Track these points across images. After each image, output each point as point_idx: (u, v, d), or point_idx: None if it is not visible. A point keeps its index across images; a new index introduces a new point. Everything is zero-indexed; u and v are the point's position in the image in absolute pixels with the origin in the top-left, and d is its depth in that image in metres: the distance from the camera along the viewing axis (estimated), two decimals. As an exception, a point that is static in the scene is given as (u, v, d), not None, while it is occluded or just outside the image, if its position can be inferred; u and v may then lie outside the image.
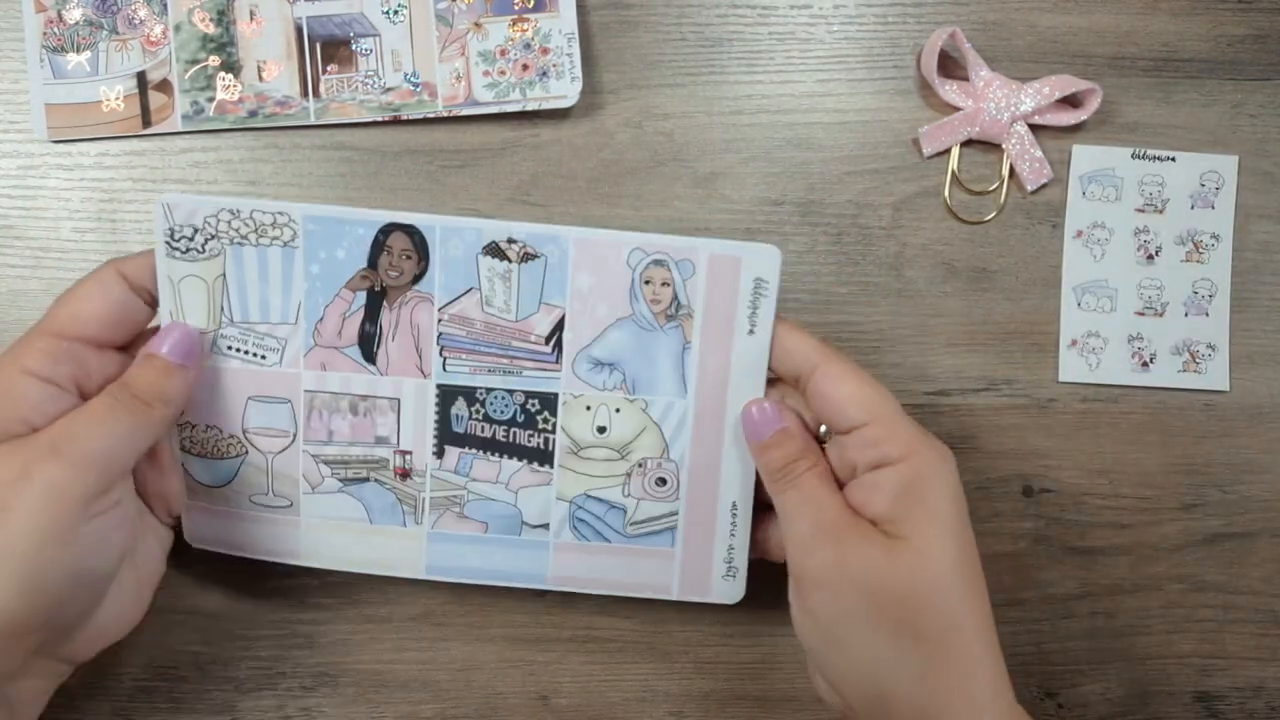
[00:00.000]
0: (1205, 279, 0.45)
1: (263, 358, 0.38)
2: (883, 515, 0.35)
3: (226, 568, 0.41)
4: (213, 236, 0.37)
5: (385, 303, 0.38)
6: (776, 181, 0.45)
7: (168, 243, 0.37)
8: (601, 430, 0.39)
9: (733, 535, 0.40)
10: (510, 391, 0.39)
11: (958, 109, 0.44)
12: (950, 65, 0.45)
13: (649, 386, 0.39)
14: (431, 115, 0.43)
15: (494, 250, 0.37)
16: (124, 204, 0.43)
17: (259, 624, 0.43)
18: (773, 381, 0.38)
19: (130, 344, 0.38)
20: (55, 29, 0.43)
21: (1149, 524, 0.45)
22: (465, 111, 0.43)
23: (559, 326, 0.38)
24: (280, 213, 0.37)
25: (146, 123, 0.43)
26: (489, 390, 0.39)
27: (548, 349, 0.38)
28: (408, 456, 0.39)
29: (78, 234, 0.43)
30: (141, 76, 0.43)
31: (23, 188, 0.43)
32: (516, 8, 0.43)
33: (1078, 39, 0.45)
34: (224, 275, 0.37)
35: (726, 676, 0.45)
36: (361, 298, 0.38)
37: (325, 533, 0.40)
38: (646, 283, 0.38)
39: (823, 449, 0.38)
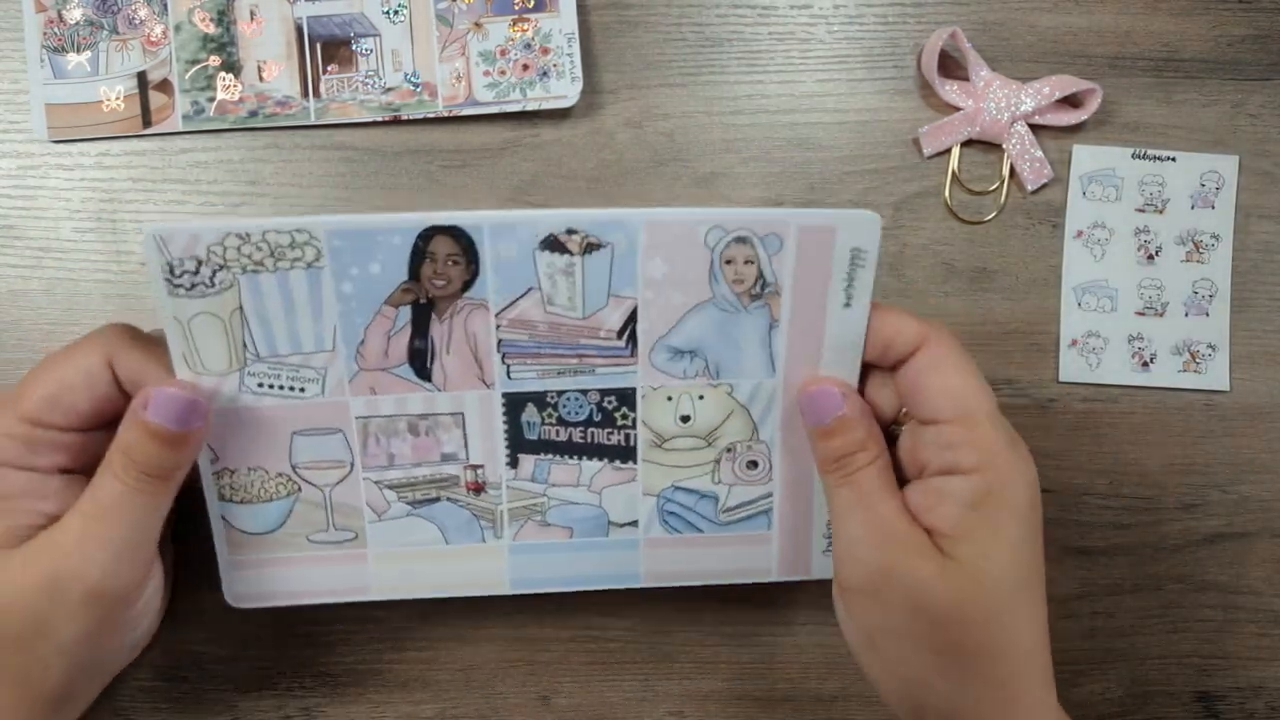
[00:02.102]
0: (1205, 279, 0.45)
1: (301, 390, 0.35)
2: (943, 527, 0.32)
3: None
4: (221, 267, 0.32)
5: (434, 314, 0.34)
6: (776, 181, 0.45)
7: (168, 280, 0.32)
8: (685, 419, 0.37)
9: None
10: (584, 392, 0.36)
11: (958, 109, 0.44)
12: (950, 65, 0.45)
13: (734, 370, 0.36)
14: (431, 115, 0.43)
15: (553, 244, 0.33)
16: (124, 204, 0.43)
17: (259, 624, 0.43)
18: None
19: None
20: (55, 29, 0.43)
21: (1149, 524, 0.45)
22: (465, 111, 0.43)
23: (631, 318, 0.35)
24: (299, 230, 0.32)
25: (147, 123, 0.43)
26: (560, 393, 0.36)
27: (621, 343, 0.35)
28: (479, 470, 0.37)
29: (78, 234, 0.43)
30: (142, 76, 0.43)
31: (23, 188, 0.43)
32: (516, 8, 0.43)
33: (1078, 39, 0.45)
34: (240, 308, 0.33)
35: (726, 676, 0.45)
36: (407, 313, 0.34)
37: (397, 561, 0.37)
38: (728, 263, 0.34)
39: (894, 436, 0.35)
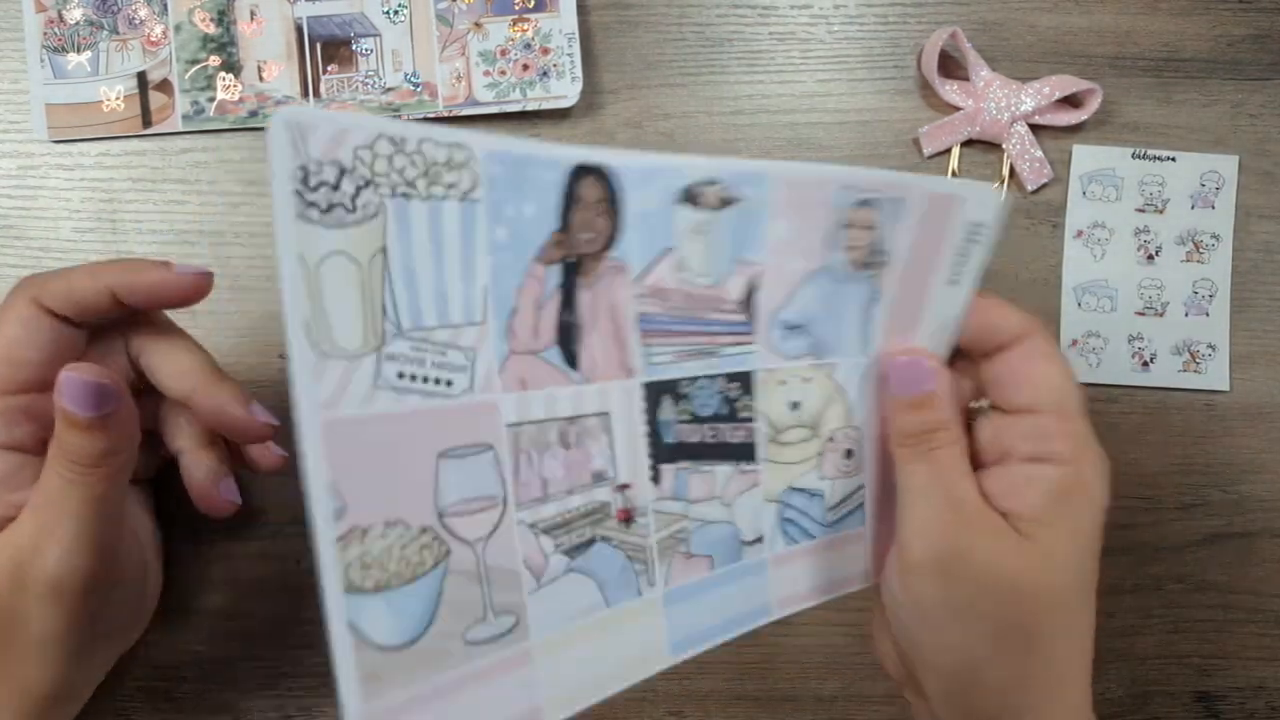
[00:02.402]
0: (1205, 279, 0.45)
1: (449, 384, 0.25)
2: (1025, 511, 0.32)
3: (226, 566, 0.41)
4: (368, 182, 0.23)
5: (579, 278, 0.27)
6: (777, 181, 0.45)
7: (299, 192, 0.22)
8: (795, 405, 0.32)
9: None
10: (712, 377, 0.30)
11: (958, 109, 0.44)
12: (950, 65, 0.45)
13: (835, 347, 0.32)
14: (432, 115, 0.43)
15: (690, 197, 0.28)
16: (124, 204, 0.43)
17: (259, 624, 0.43)
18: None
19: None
20: (55, 29, 0.43)
21: (1149, 524, 0.45)
22: (465, 111, 0.43)
23: (752, 287, 0.30)
24: (457, 145, 0.24)
25: (147, 123, 0.43)
26: (693, 380, 0.30)
27: (743, 317, 0.30)
28: (627, 492, 0.29)
29: (78, 234, 0.43)
30: (142, 76, 0.43)
31: (23, 188, 0.43)
32: (517, 8, 0.43)
33: (1078, 39, 0.45)
34: (384, 250, 0.24)
35: (726, 676, 0.45)
36: (556, 274, 0.27)
37: (563, 652, 0.27)
38: (848, 226, 0.30)
39: (970, 424, 0.35)
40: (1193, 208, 0.45)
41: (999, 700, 0.33)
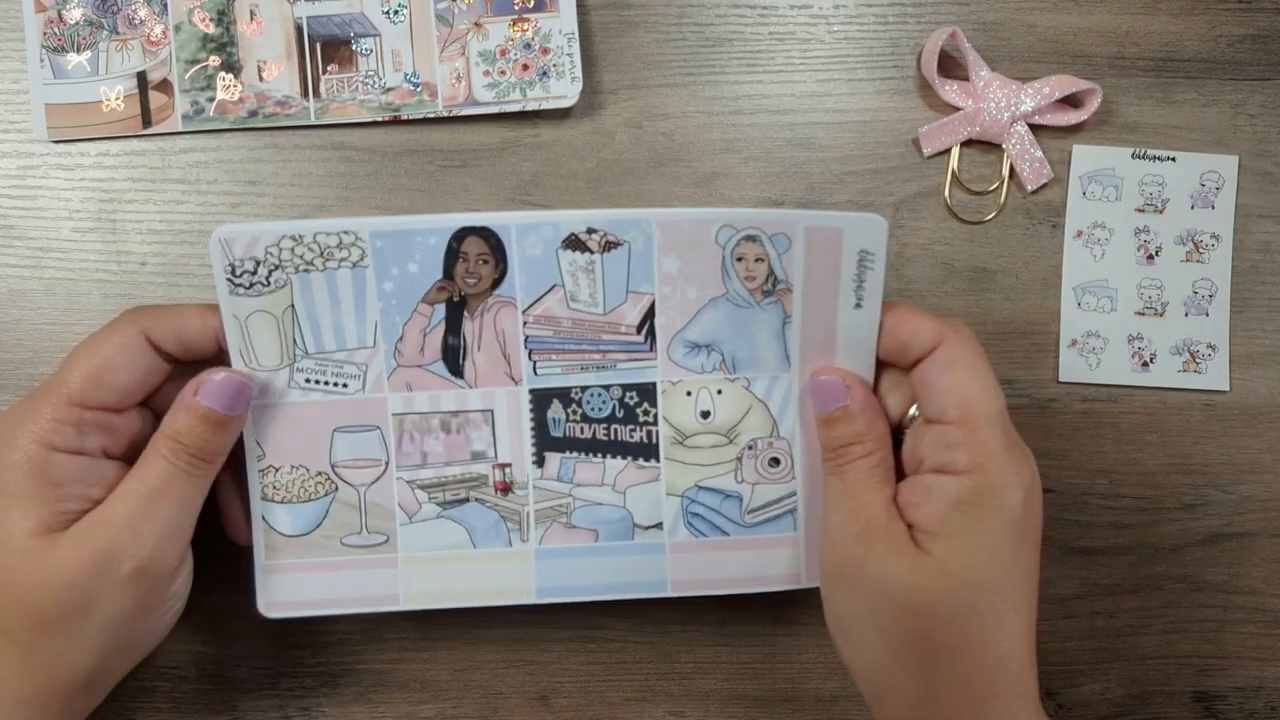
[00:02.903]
0: (1205, 279, 0.45)
1: (344, 386, 0.37)
2: (925, 523, 0.33)
3: (226, 566, 0.41)
4: (276, 267, 0.35)
5: (466, 312, 0.36)
6: (776, 181, 0.45)
7: (229, 280, 0.35)
8: (705, 415, 0.37)
9: None
10: (606, 387, 0.37)
11: (958, 109, 0.44)
12: (950, 65, 0.45)
13: (750, 364, 0.37)
14: (431, 115, 0.43)
15: (574, 243, 0.36)
16: (124, 204, 0.43)
17: (259, 624, 0.43)
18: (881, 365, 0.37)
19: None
20: (55, 29, 0.43)
21: (1149, 524, 0.45)
22: (465, 111, 0.43)
23: (649, 314, 0.36)
24: (346, 232, 0.35)
25: (146, 123, 0.43)
26: (584, 389, 0.37)
27: (640, 338, 0.37)
28: (507, 469, 0.38)
29: (78, 234, 0.43)
30: (142, 76, 0.43)
31: (23, 188, 0.43)
32: (516, 8, 0.43)
33: (1078, 39, 0.45)
34: (292, 306, 0.36)
35: (726, 676, 0.45)
36: (441, 310, 0.36)
37: (425, 567, 0.38)
38: (739, 260, 0.36)
39: (902, 434, 0.36)
40: (1192, 208, 0.45)
41: (911, 712, 0.33)
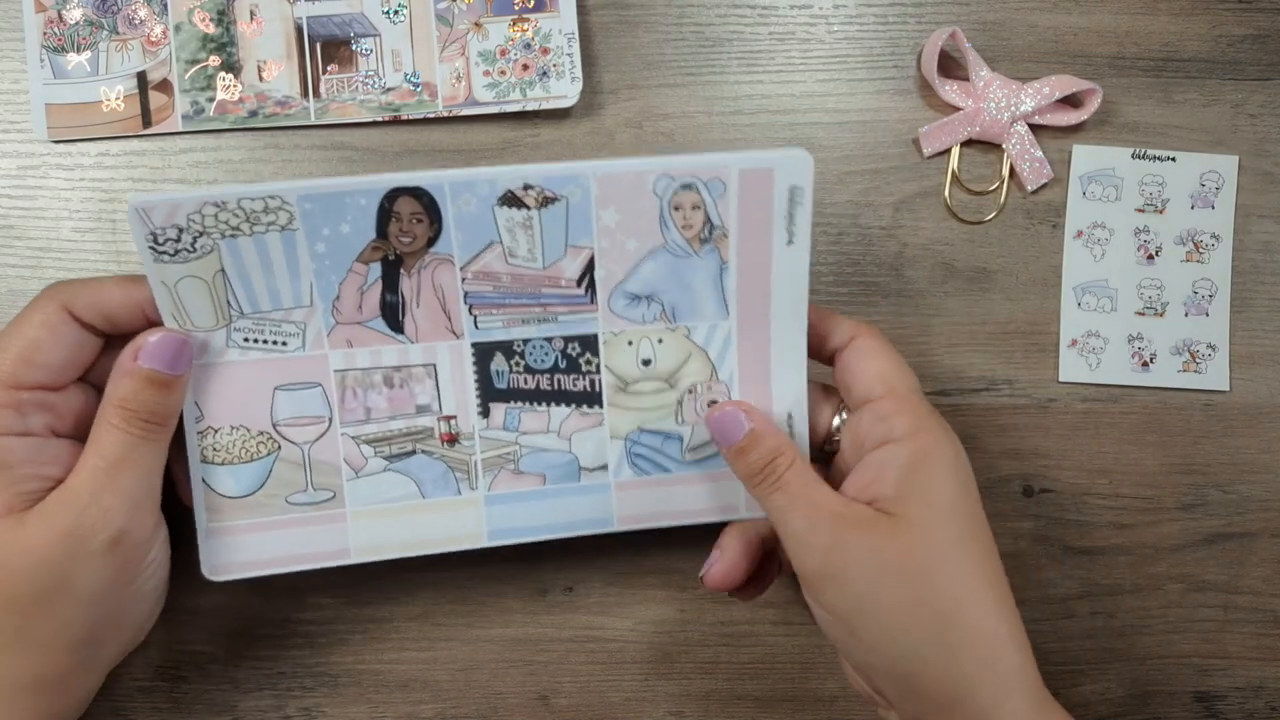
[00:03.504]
0: (1205, 279, 0.45)
1: (283, 344, 0.36)
2: (885, 492, 0.34)
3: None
4: (201, 234, 0.34)
5: (403, 270, 0.36)
6: (776, 181, 0.45)
7: (152, 248, 0.34)
8: (646, 363, 0.38)
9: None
10: (548, 339, 0.38)
11: (958, 109, 0.44)
12: (950, 65, 0.45)
13: (690, 313, 0.38)
14: (431, 115, 0.43)
15: (510, 199, 0.35)
16: (124, 204, 0.43)
17: (259, 624, 0.43)
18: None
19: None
20: (55, 29, 0.43)
21: (1149, 524, 0.45)
22: (465, 111, 0.43)
23: (589, 267, 0.37)
24: (271, 197, 0.34)
25: (146, 123, 0.43)
26: (526, 341, 0.38)
27: (580, 291, 0.37)
28: (452, 421, 0.38)
29: (78, 234, 0.43)
30: (142, 76, 0.43)
31: (23, 188, 0.43)
32: (516, 8, 0.43)
33: (1078, 39, 0.45)
34: (223, 270, 0.35)
35: (726, 676, 0.45)
36: (377, 269, 0.36)
37: (375, 520, 0.38)
38: (676, 209, 0.36)
39: (833, 445, 0.38)
40: (1193, 208, 0.45)
41: (944, 685, 0.33)
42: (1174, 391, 0.45)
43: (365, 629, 0.44)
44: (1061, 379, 0.45)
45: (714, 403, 0.38)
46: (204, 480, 0.37)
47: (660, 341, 0.38)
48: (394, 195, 0.35)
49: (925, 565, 0.33)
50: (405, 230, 0.35)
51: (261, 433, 0.37)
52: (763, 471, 0.36)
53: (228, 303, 0.36)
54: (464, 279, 0.37)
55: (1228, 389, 0.45)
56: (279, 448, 0.37)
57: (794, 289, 0.37)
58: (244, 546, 0.38)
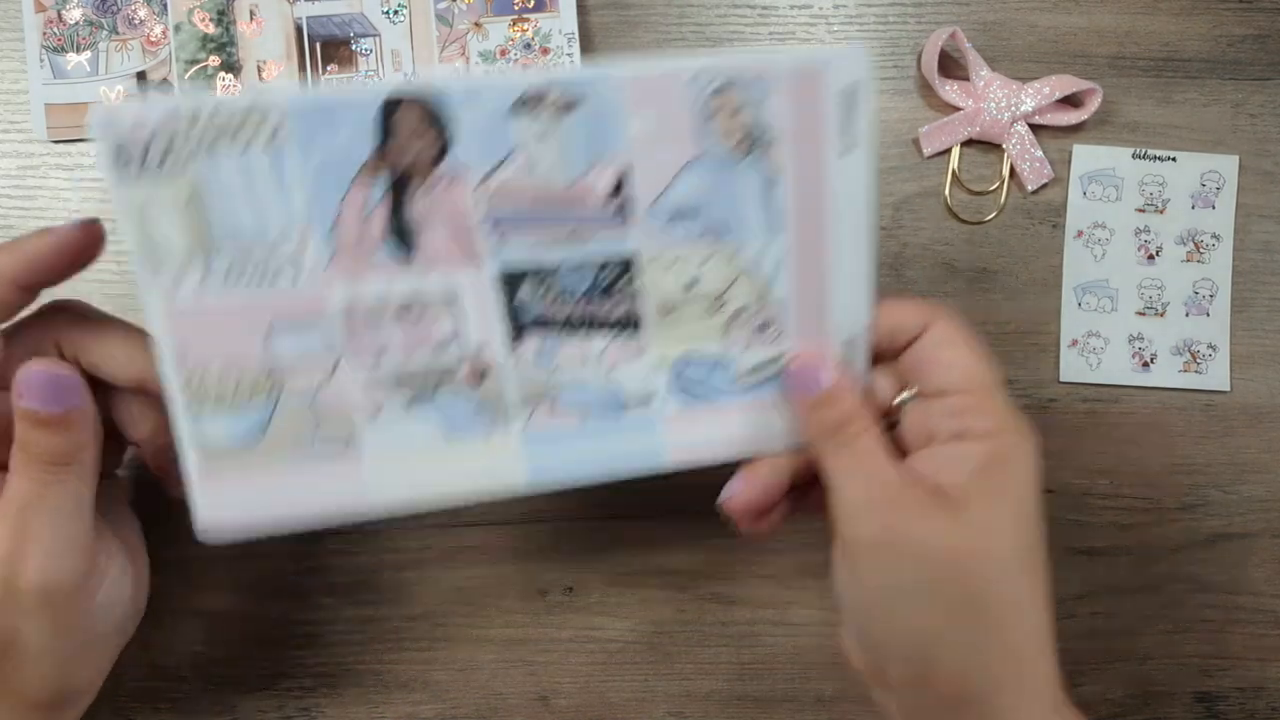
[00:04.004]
0: (1206, 279, 0.45)
1: (274, 279, 0.32)
2: (952, 489, 0.33)
3: (226, 566, 0.41)
4: (171, 149, 0.30)
5: (409, 190, 0.32)
6: (776, 181, 0.45)
7: (115, 165, 0.30)
8: (690, 285, 0.34)
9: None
10: (581, 262, 0.34)
11: (958, 109, 0.44)
12: (950, 65, 0.45)
13: (736, 230, 0.34)
14: (431, 115, 0.43)
15: (526, 105, 0.32)
16: (124, 204, 0.43)
17: (259, 624, 0.43)
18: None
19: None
20: (55, 29, 0.43)
21: (1149, 524, 0.45)
22: (465, 111, 0.43)
23: (621, 181, 0.33)
24: (253, 109, 0.30)
25: (146, 123, 0.43)
26: (556, 265, 0.34)
27: (613, 209, 0.33)
28: (480, 355, 0.34)
29: (78, 234, 0.43)
30: (141, 76, 0.43)
31: (23, 188, 0.43)
32: (516, 8, 0.43)
33: (1078, 39, 0.45)
34: (199, 193, 0.31)
35: (726, 676, 0.45)
36: (380, 189, 0.32)
37: (395, 467, 0.34)
38: (715, 114, 0.32)
39: (895, 417, 0.36)
40: (1193, 208, 0.45)
41: (960, 684, 0.32)
42: (1174, 392, 0.45)
43: (365, 629, 0.44)
44: (1062, 379, 0.45)
45: (765, 325, 0.35)
46: (192, 432, 0.32)
47: (704, 262, 0.34)
48: (393, 106, 0.31)
49: (983, 563, 0.32)
50: (408, 145, 0.32)
51: (258, 377, 0.33)
52: (835, 429, 0.34)
53: (206, 232, 0.31)
54: (481, 198, 0.32)
55: (1228, 389, 0.45)
56: (280, 393, 0.33)
57: (854, 203, 0.33)
58: (244, 504, 0.33)
